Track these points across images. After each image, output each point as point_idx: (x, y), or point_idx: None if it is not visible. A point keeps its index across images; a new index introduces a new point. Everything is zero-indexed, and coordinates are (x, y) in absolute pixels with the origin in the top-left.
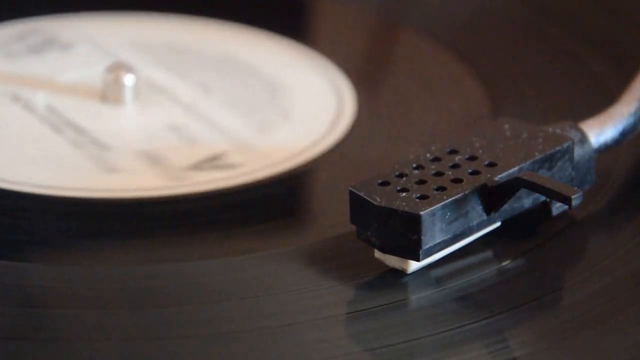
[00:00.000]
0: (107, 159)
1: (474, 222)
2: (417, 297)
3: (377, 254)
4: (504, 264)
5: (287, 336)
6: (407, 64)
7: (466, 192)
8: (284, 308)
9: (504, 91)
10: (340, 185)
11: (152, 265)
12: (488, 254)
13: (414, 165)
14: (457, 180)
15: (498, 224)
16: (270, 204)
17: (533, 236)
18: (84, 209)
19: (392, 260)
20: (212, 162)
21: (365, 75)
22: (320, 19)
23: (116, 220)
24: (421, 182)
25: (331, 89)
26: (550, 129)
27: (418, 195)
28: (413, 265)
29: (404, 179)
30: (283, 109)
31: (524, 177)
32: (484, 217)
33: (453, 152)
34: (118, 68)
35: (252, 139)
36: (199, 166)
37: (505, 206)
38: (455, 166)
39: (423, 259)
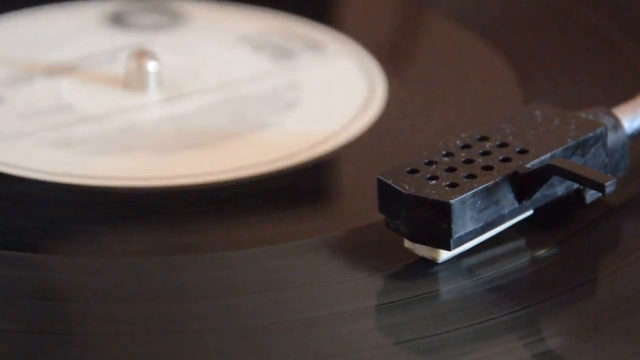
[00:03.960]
0: (132, 146)
1: (506, 210)
2: (448, 287)
3: (407, 243)
4: (537, 253)
5: (315, 329)
6: (438, 49)
7: (497, 179)
8: (312, 300)
9: (535, 76)
10: (369, 173)
11: (176, 256)
12: (520, 242)
13: (444, 152)
14: (488, 168)
15: (530, 212)
16: (297, 192)
17: (566, 224)
18: (106, 197)
19: (422, 250)
20: (239, 149)
21: (396, 60)
22: (351, 2)
23: (140, 210)
24: (451, 169)
25: (362, 73)
26: (583, 115)
27: (448, 183)
28: (443, 255)
29: (434, 166)
30: (312, 94)
31: (557, 164)
32: (516, 205)
33: (483, 138)
34: (141, 55)
35: (280, 125)
36: (224, 153)
37: (538, 194)
38: (485, 153)
39: (454, 248)
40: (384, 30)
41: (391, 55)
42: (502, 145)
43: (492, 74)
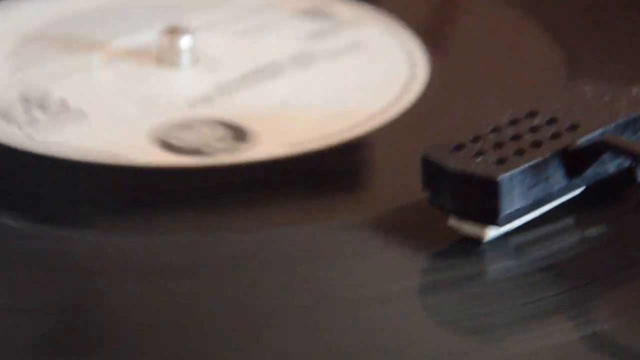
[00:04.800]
0: (166, 124)
1: (555, 188)
2: (495, 267)
3: (452, 221)
4: (586, 232)
5: (357, 308)
6: (481, 24)
7: (546, 156)
8: (353, 279)
9: (582, 52)
10: (413, 151)
11: (218, 235)
12: (570, 221)
13: (490, 128)
14: (537, 144)
15: (580, 189)
16: (338, 172)
17: (617, 203)
18: (148, 176)
19: (468, 228)
20: (276, 128)
21: (438, 36)
22: None
23: (181, 189)
24: (498, 145)
25: (402, 51)
26: (634, 91)
27: (495, 159)
28: (490, 233)
29: (480, 142)
30: (352, 72)
31: (608, 141)
32: (566, 182)
33: (531, 114)
34: (174, 30)
35: (319, 104)
36: (262, 132)
37: (588, 171)
38: (534, 129)
39: (501, 226)
40: (423, 5)
41: (432, 31)
42: (551, 121)
43: (536, 50)
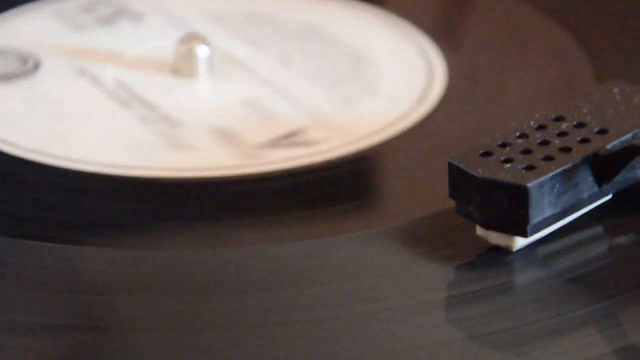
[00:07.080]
0: (179, 136)
1: (585, 195)
2: (524, 278)
3: (479, 231)
4: (617, 240)
5: (381, 322)
6: (500, 27)
7: (576, 162)
8: (379, 292)
9: (606, 53)
10: (437, 159)
11: (226, 249)
12: (599, 229)
13: (518, 134)
14: (566, 150)
15: (610, 196)
16: (356, 182)
17: None
18: (152, 189)
19: (496, 238)
20: (291, 139)
21: (456, 41)
22: None
23: (188, 201)
24: (527, 151)
25: (420, 57)
26: None
27: (524, 166)
28: (519, 243)
29: (508, 148)
30: (368, 80)
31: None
32: (596, 189)
33: (559, 119)
34: (191, 39)
35: (335, 114)
36: (276, 143)
37: (619, 177)
38: (562, 134)
39: (531, 235)
40: (440, 10)
41: (450, 36)
42: (580, 125)
43: (559, 52)
